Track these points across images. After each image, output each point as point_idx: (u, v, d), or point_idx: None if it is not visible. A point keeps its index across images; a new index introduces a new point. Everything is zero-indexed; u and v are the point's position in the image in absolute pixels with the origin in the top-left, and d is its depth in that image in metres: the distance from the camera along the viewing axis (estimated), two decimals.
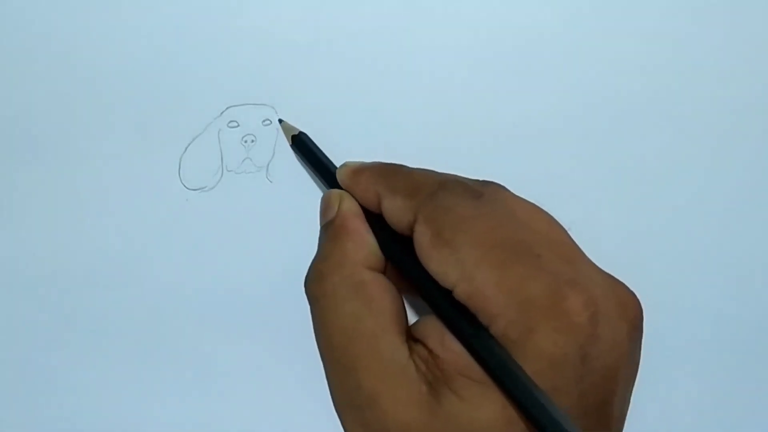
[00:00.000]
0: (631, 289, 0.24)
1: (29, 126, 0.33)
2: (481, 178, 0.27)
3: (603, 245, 0.32)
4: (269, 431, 0.32)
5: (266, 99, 0.33)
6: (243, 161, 0.33)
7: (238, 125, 0.33)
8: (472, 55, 0.33)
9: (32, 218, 0.33)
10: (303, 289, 0.28)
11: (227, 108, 0.33)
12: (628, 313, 0.23)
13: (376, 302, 0.24)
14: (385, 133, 0.33)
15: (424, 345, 0.24)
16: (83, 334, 0.33)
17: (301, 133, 0.32)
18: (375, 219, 0.27)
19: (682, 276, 0.32)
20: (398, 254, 0.26)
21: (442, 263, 0.23)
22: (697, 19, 0.33)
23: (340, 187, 0.28)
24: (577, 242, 0.25)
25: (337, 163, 0.30)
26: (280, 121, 0.33)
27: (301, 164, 0.33)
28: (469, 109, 0.33)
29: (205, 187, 0.33)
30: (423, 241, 0.23)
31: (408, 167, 0.27)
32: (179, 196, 0.33)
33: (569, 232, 0.25)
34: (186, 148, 0.33)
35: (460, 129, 0.33)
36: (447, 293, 0.23)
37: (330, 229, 0.27)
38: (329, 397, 0.25)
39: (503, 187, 0.26)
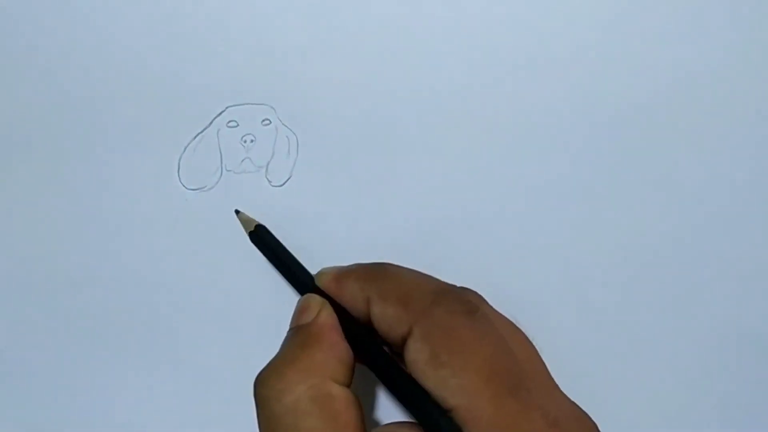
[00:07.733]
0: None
1: (28, 125, 0.31)
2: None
3: (603, 245, 0.33)
4: None
5: (266, 99, 0.33)
6: (242, 161, 0.33)
7: (238, 125, 0.33)
8: (472, 54, 0.34)
9: (30, 217, 0.31)
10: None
11: (227, 107, 0.33)
12: None
13: (341, 420, 0.23)
14: (384, 133, 0.34)
15: None
16: (81, 333, 0.32)
17: (258, 226, 0.30)
18: (356, 326, 0.26)
19: (682, 275, 0.34)
20: (386, 367, 0.25)
21: (440, 385, 0.23)
22: (698, 20, 0.34)
23: (308, 288, 0.28)
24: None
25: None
26: (237, 212, 0.31)
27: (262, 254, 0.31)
28: (468, 110, 0.34)
29: (205, 186, 0.33)
30: (420, 359, 0.23)
31: (394, 269, 0.27)
32: (178, 196, 0.32)
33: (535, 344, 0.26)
34: (185, 148, 0.32)
35: (460, 129, 0.34)
36: (443, 413, 0.23)
37: (302, 333, 0.26)
38: None
39: (482, 298, 0.26)
